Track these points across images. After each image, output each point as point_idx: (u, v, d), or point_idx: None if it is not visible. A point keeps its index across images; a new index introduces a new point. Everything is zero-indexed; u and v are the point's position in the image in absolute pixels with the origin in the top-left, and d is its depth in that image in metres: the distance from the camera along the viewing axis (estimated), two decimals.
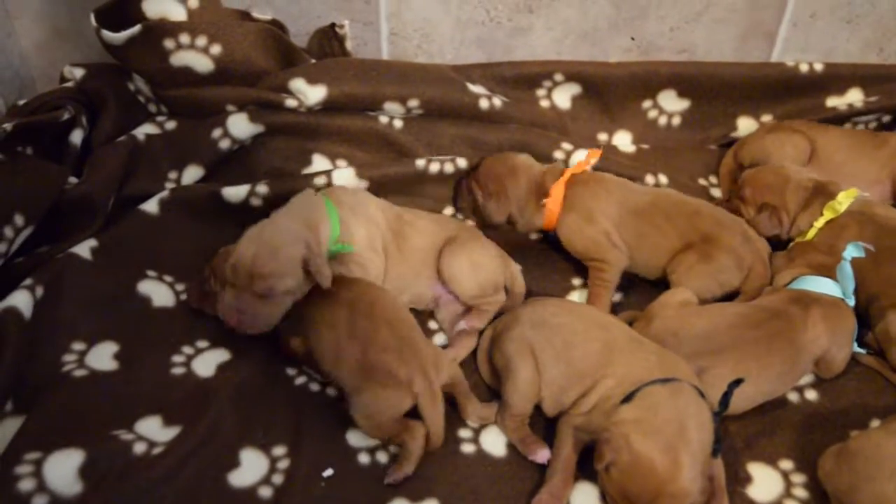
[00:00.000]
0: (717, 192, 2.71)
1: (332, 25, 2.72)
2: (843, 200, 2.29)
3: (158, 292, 2.19)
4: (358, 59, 2.70)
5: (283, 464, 1.81)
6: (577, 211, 2.30)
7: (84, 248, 2.19)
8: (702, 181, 2.75)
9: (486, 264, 2.19)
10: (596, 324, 1.96)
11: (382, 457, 1.86)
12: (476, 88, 2.67)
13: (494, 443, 1.91)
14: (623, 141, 2.89)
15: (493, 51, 2.78)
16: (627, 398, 1.72)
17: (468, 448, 1.90)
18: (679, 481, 1.60)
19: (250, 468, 1.79)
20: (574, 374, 1.86)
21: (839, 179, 2.42)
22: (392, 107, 2.56)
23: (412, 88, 2.55)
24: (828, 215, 2.29)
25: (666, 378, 1.74)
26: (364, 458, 1.85)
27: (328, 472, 1.80)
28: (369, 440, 1.89)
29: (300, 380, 2.05)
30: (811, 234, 2.30)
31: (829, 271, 2.12)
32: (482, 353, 2.08)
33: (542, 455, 1.84)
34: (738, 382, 1.77)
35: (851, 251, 2.09)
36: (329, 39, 2.73)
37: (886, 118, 2.83)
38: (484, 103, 2.63)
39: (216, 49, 2.45)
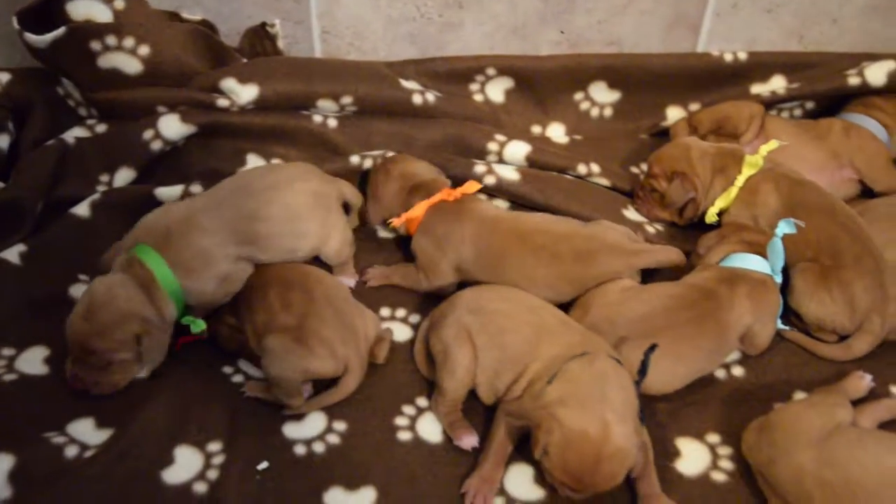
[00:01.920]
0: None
1: (263, 25, 2.74)
2: (762, 154, 2.38)
3: None
4: (290, 57, 2.73)
5: (218, 459, 1.82)
6: (430, 236, 2.26)
7: (13, 254, 2.18)
8: (633, 169, 2.81)
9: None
10: (528, 308, 2.01)
11: (319, 447, 1.89)
12: (409, 84, 2.70)
13: (431, 430, 1.95)
14: (557, 133, 2.95)
15: (425, 47, 2.83)
16: (551, 379, 1.77)
17: (405, 435, 1.93)
18: (613, 440, 1.65)
19: (185, 465, 1.81)
20: (507, 359, 1.91)
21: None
22: (325, 105, 2.59)
23: (345, 86, 2.58)
24: (747, 171, 2.36)
25: (583, 353, 1.80)
26: (300, 450, 1.87)
27: (263, 465, 1.82)
28: (306, 432, 1.91)
29: (237, 378, 2.07)
30: (733, 192, 2.37)
31: (760, 248, 2.20)
32: (419, 343, 2.12)
33: (467, 441, 1.89)
34: (652, 349, 1.85)
35: (783, 227, 2.16)
36: (260, 39, 2.75)
37: (810, 104, 2.93)
38: (417, 99, 2.67)
39: (144, 50, 2.46)
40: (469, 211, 2.27)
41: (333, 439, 1.91)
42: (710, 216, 2.43)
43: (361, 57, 2.82)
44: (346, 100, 2.59)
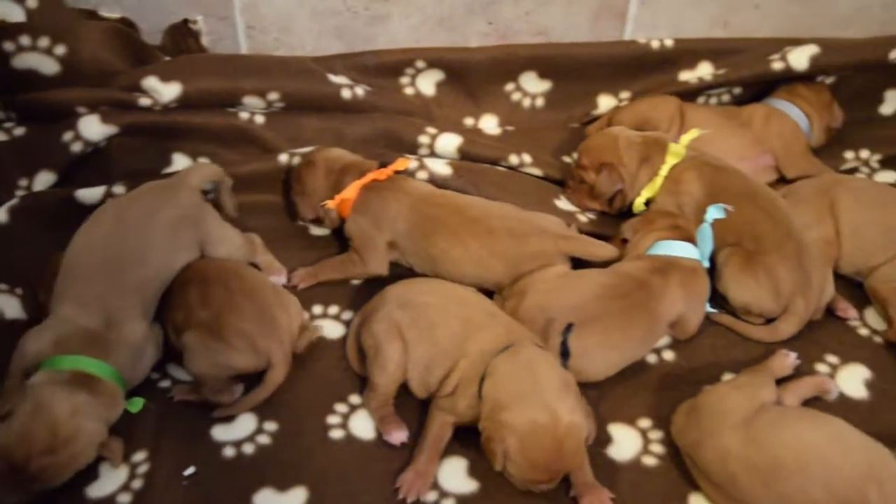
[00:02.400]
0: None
1: (186, 21, 2.69)
2: (684, 143, 2.43)
3: (10, 304, 2.15)
4: (213, 54, 2.69)
5: (143, 468, 1.80)
6: (366, 215, 2.28)
7: None
8: (566, 158, 2.83)
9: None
10: (457, 301, 2.01)
11: (249, 448, 1.87)
12: (338, 79, 2.68)
13: (363, 427, 1.94)
14: (489, 124, 2.95)
15: (353, 40, 2.80)
16: (482, 380, 1.78)
17: (337, 434, 1.92)
18: (562, 419, 1.68)
19: (109, 478, 1.79)
20: (437, 354, 1.91)
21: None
22: (252, 101, 2.56)
23: (271, 82, 2.55)
24: (671, 160, 2.40)
25: (507, 346, 1.81)
26: (229, 452, 1.86)
27: (190, 471, 1.79)
28: (235, 433, 1.89)
29: (164, 383, 2.04)
30: (658, 182, 2.40)
31: (687, 234, 2.23)
32: (350, 339, 2.10)
33: (396, 437, 1.89)
34: (569, 328, 1.90)
35: (713, 213, 2.20)
36: (184, 36, 2.70)
37: (737, 90, 2.98)
38: (346, 93, 2.65)
39: (61, 49, 2.40)
40: (403, 187, 2.30)
41: (264, 440, 1.89)
42: (638, 206, 2.46)
43: (288, 52, 2.79)
44: (273, 96, 2.56)
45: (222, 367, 1.92)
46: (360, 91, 2.68)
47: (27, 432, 1.67)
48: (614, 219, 2.53)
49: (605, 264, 2.22)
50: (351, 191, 2.28)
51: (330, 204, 2.29)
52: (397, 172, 2.35)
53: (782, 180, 2.68)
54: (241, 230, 2.44)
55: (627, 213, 2.50)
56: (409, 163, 2.37)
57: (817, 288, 2.17)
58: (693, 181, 2.36)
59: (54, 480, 1.70)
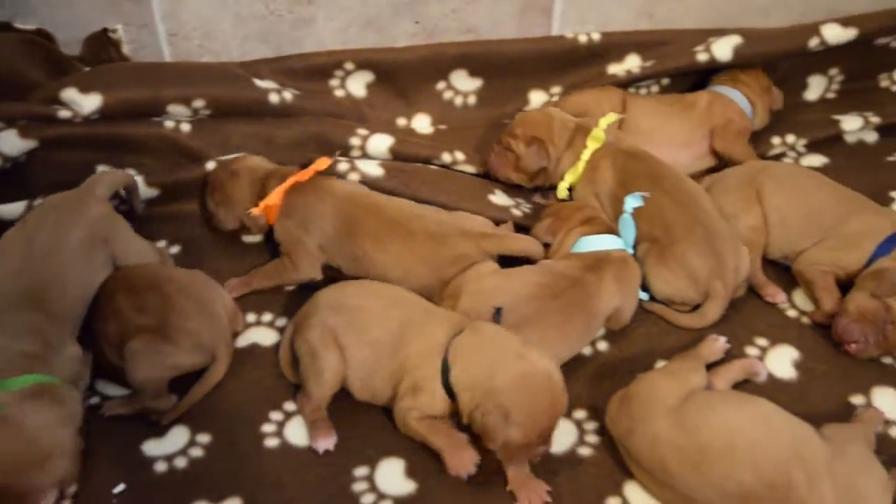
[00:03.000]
0: None
1: (105, 31, 2.64)
2: (602, 128, 2.50)
3: None
4: (134, 63, 2.65)
5: (72, 489, 1.77)
6: (292, 218, 2.28)
7: None
8: None
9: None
10: (392, 302, 2.01)
11: (181, 462, 1.85)
12: (265, 84, 2.66)
13: (299, 433, 1.94)
14: (422, 124, 2.96)
15: (279, 44, 2.79)
16: (447, 374, 1.81)
17: (272, 442, 1.92)
18: (542, 365, 1.76)
19: None
20: (379, 356, 1.91)
21: (650, 145, 2.60)
22: (176, 109, 2.53)
23: (195, 89, 2.53)
24: (592, 145, 2.47)
25: (460, 330, 1.85)
26: (161, 467, 1.84)
27: (119, 488, 1.78)
28: (167, 447, 1.88)
29: (93, 400, 2.01)
30: (580, 167, 2.47)
31: (605, 225, 2.27)
32: (284, 348, 2.09)
33: (321, 444, 1.89)
34: (498, 311, 1.94)
35: (631, 202, 2.24)
36: (104, 46, 2.65)
37: (665, 81, 3.03)
38: (274, 98, 2.63)
39: None
40: (326, 187, 2.31)
41: (197, 452, 1.88)
42: (562, 191, 2.52)
43: (213, 58, 2.76)
44: (199, 103, 2.53)
45: (170, 368, 1.93)
46: (288, 95, 2.67)
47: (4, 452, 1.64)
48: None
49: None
50: (275, 196, 2.27)
51: (255, 211, 2.28)
52: (320, 173, 2.34)
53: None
54: (171, 240, 2.44)
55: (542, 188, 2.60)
56: (332, 161, 2.38)
57: (732, 268, 2.23)
58: (607, 169, 2.43)
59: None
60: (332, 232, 2.26)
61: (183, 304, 1.96)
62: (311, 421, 1.92)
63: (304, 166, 2.38)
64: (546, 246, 2.30)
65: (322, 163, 2.34)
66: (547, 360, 1.79)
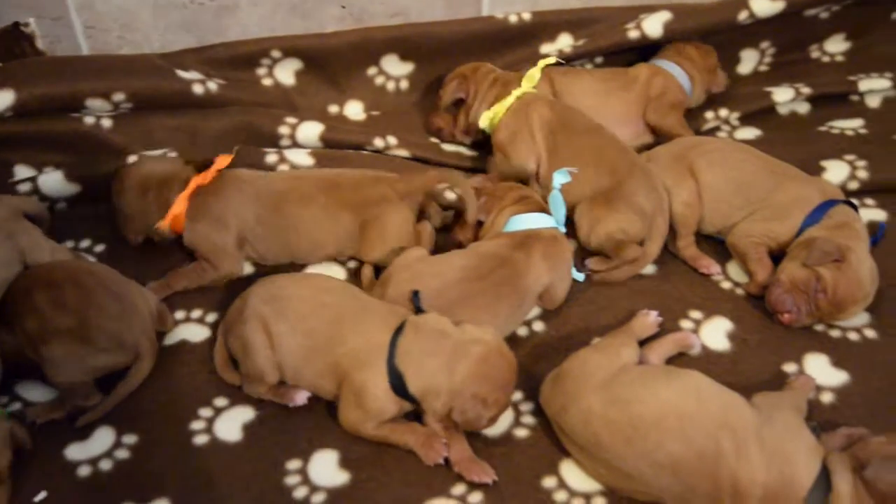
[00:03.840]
0: (446, 147, 2.80)
1: (17, 24, 2.57)
2: (539, 68, 2.62)
3: None
4: (49, 57, 2.59)
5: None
6: (203, 220, 2.25)
7: None
8: (433, 138, 2.84)
9: None
10: (324, 290, 2.00)
11: (106, 464, 1.83)
12: (189, 74, 2.62)
13: (229, 429, 1.92)
14: (355, 110, 2.93)
15: (203, 34, 2.74)
16: (397, 378, 1.81)
17: (201, 439, 1.90)
18: (490, 338, 1.84)
19: None
20: (314, 344, 1.90)
21: None
22: (96, 104, 2.48)
23: (114, 82, 2.47)
24: (526, 84, 2.58)
25: (399, 325, 1.86)
26: (85, 471, 1.81)
27: (41, 496, 1.74)
28: (91, 450, 1.85)
29: (15, 405, 1.96)
30: (508, 102, 2.54)
31: (536, 204, 2.28)
32: (219, 348, 2.05)
33: (300, 398, 1.93)
34: (416, 294, 1.95)
35: (559, 178, 2.25)
36: (16, 40, 2.58)
37: (599, 59, 3.04)
38: (198, 89, 2.59)
39: None
40: (237, 179, 2.30)
41: (122, 454, 1.85)
42: (484, 119, 2.59)
43: (134, 50, 2.71)
44: (119, 97, 2.48)
45: (92, 370, 1.90)
46: (213, 85, 2.63)
47: None
48: None
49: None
50: (179, 205, 2.23)
51: (162, 225, 2.23)
52: (221, 170, 2.29)
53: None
54: (95, 239, 2.40)
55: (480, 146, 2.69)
56: (231, 157, 2.33)
57: (667, 205, 2.35)
58: (544, 107, 2.52)
59: None
60: (254, 218, 2.25)
61: (102, 300, 1.92)
62: (274, 394, 1.94)
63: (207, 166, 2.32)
64: (479, 224, 2.31)
65: (223, 160, 2.29)
66: (487, 332, 1.85)
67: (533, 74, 2.60)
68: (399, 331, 1.85)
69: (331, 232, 2.26)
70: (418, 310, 1.94)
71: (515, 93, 2.56)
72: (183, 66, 2.65)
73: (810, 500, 1.60)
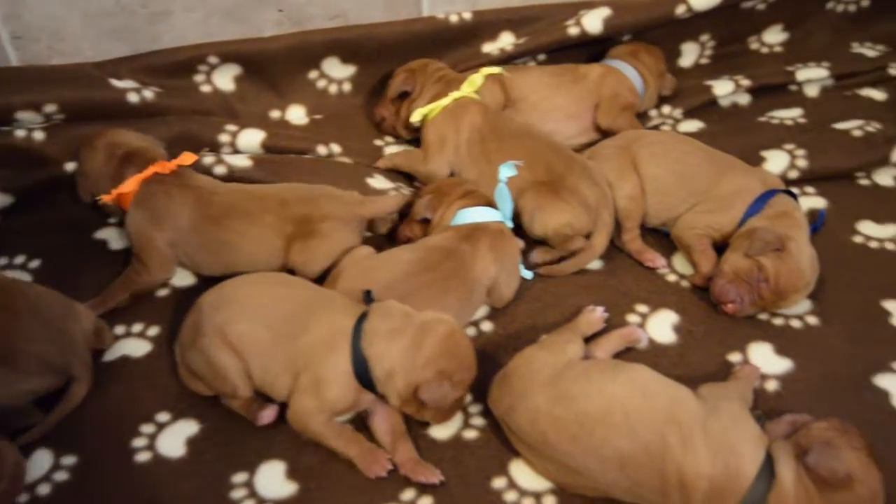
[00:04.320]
0: (392, 149, 2.80)
1: None
2: (482, 75, 2.64)
3: None
4: None
5: None
6: (145, 209, 2.23)
7: None
8: (377, 142, 2.83)
9: None
10: (280, 285, 2.00)
11: (45, 489, 1.79)
12: (122, 83, 2.57)
13: (171, 444, 1.89)
14: (297, 115, 2.91)
15: (136, 41, 2.68)
16: (361, 363, 1.80)
17: (143, 457, 1.86)
18: (449, 319, 1.86)
19: None
20: (278, 335, 1.87)
21: (538, 116, 2.72)
22: (26, 116, 2.43)
23: (45, 93, 2.43)
24: (467, 88, 2.60)
25: (362, 313, 1.86)
26: (22, 498, 1.76)
27: None
28: (28, 475, 1.80)
29: None
30: (444, 102, 2.57)
31: (483, 198, 2.29)
32: (181, 368, 2.00)
33: (267, 416, 1.90)
34: (368, 294, 1.94)
35: (505, 172, 2.26)
36: None
37: (541, 57, 3.06)
38: (133, 98, 2.55)
39: None
40: (188, 182, 2.26)
41: (61, 476, 1.81)
42: (415, 114, 2.61)
43: (65, 60, 2.64)
44: (51, 108, 2.44)
45: (22, 394, 1.85)
46: (149, 94, 2.59)
47: None
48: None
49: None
50: (130, 184, 2.21)
51: (105, 198, 2.21)
52: (182, 167, 2.28)
53: None
54: (30, 254, 2.35)
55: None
56: (197, 157, 2.33)
57: (611, 199, 2.37)
58: (477, 114, 2.53)
59: None
60: (191, 225, 2.21)
61: (29, 324, 1.87)
62: (246, 411, 1.91)
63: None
64: (426, 222, 2.32)
65: (187, 157, 2.28)
66: (446, 316, 1.88)
67: (475, 80, 2.62)
68: (363, 317, 1.85)
69: (271, 251, 2.20)
70: (368, 298, 1.94)
71: (454, 94, 2.57)
72: (117, 75, 2.60)
73: (754, 489, 1.62)
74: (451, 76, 2.70)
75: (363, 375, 1.81)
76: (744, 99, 3.05)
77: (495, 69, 2.69)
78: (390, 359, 1.80)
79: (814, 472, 1.61)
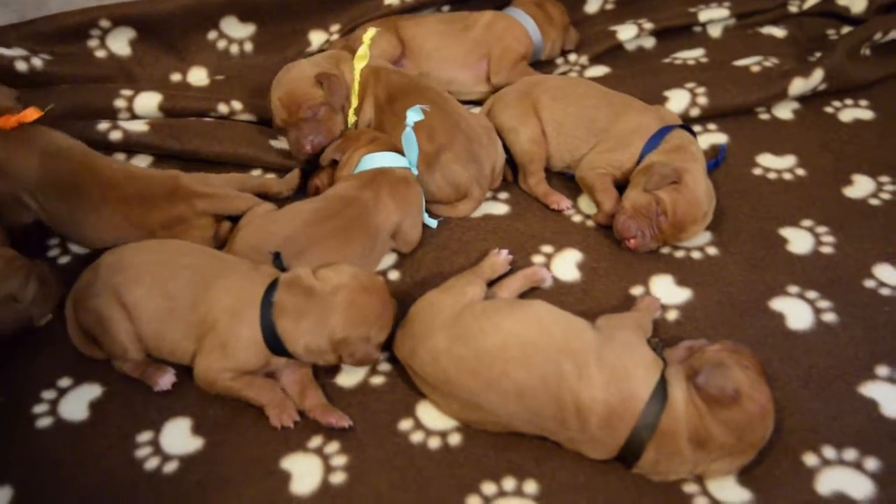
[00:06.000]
0: None
1: None
2: (366, 45, 2.55)
3: None
4: None
5: None
6: None
7: None
8: None
9: None
10: (182, 254, 1.99)
11: None
12: (10, 52, 2.54)
13: (74, 409, 1.90)
14: (199, 77, 2.89)
15: (22, 8, 2.63)
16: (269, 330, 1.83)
17: (45, 422, 1.87)
18: (359, 273, 1.91)
19: None
20: (174, 306, 1.88)
21: (432, 66, 2.76)
22: None
23: None
24: (359, 64, 2.52)
25: (272, 280, 1.88)
26: None
27: None
28: None
29: None
30: (354, 87, 2.51)
31: (388, 143, 2.33)
32: (71, 324, 2.01)
33: (163, 382, 1.92)
34: (277, 256, 1.98)
35: (412, 116, 2.27)
36: None
37: (446, 8, 3.07)
38: (21, 66, 2.53)
39: None
40: (35, 137, 2.21)
41: None
42: (351, 115, 2.53)
43: None
44: None
45: None
46: (38, 62, 2.56)
47: None
48: None
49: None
50: None
51: None
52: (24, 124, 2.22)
53: None
54: None
55: None
56: (41, 114, 2.24)
57: (489, 172, 2.40)
58: (375, 84, 2.50)
59: None
60: (35, 184, 2.18)
61: None
62: (141, 374, 1.92)
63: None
64: (335, 163, 2.35)
65: (30, 114, 2.21)
66: (343, 273, 1.89)
67: (363, 54, 2.52)
68: (272, 287, 1.86)
69: (113, 232, 2.17)
70: (283, 270, 1.96)
71: (357, 77, 2.50)
72: (6, 44, 2.57)
73: (647, 410, 1.69)
74: (335, 57, 2.58)
75: (274, 344, 1.85)
76: (649, 42, 3.12)
77: (372, 31, 2.60)
78: (304, 338, 1.84)
79: (704, 391, 1.69)
